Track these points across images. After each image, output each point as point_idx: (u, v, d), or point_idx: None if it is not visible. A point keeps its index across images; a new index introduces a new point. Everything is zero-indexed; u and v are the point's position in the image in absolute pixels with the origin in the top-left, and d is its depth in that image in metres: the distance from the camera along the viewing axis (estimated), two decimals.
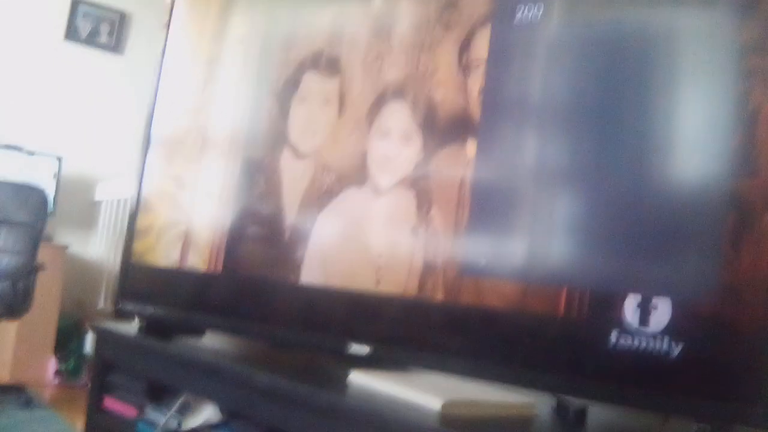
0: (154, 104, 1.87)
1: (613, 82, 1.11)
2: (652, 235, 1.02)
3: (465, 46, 1.30)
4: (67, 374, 3.52)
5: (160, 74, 1.87)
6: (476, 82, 1.27)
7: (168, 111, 1.84)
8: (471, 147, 1.24)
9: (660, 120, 1.04)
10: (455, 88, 1.29)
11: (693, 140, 1.03)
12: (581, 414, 1.19)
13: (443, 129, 1.30)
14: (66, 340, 3.63)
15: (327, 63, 1.52)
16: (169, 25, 1.88)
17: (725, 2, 1.02)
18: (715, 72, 1.01)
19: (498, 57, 1.25)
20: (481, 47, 1.27)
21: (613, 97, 1.10)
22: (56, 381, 3.49)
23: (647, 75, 1.07)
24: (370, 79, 1.43)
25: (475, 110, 1.26)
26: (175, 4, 1.89)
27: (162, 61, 1.87)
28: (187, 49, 1.85)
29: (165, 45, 1.87)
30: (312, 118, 1.53)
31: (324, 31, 1.54)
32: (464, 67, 1.29)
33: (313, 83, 1.54)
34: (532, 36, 1.21)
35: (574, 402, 1.19)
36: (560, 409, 1.21)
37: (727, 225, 0.95)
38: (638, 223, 1.03)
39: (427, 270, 1.25)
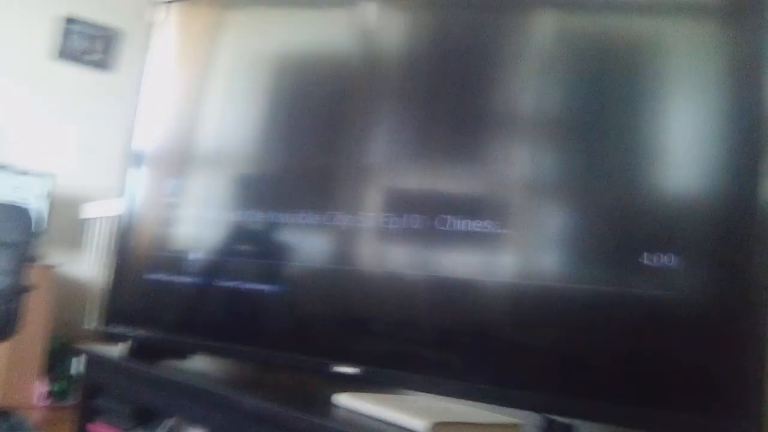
0: (140, 121, 1.87)
1: (613, 92, 1.12)
2: (643, 238, 1.02)
3: None
4: (55, 396, 3.48)
5: (144, 92, 1.87)
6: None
7: (155, 128, 1.84)
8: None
9: (665, 129, 1.05)
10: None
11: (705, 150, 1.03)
12: None
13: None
14: (55, 361, 3.60)
15: (315, 80, 1.53)
16: (150, 44, 1.88)
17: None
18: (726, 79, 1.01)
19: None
20: None
21: (608, 109, 1.11)
22: (45, 403, 3.46)
23: (648, 85, 1.08)
24: (358, 95, 1.44)
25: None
26: (161, 22, 1.90)
27: (145, 79, 1.87)
28: (173, 67, 1.85)
29: (148, 63, 1.88)
30: (297, 134, 1.53)
31: (311, 50, 1.55)
32: None
33: (300, 99, 1.55)
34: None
35: (560, 420, 1.18)
36: (547, 428, 1.21)
37: (717, 234, 0.96)
38: (632, 230, 1.03)
39: (413, 284, 1.25)
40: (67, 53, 4.05)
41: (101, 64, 4.13)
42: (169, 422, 1.48)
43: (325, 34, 1.53)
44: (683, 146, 1.02)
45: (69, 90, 4.06)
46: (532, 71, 1.21)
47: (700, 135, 1.01)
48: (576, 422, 1.18)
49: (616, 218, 1.06)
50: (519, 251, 1.15)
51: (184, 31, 1.86)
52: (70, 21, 4.05)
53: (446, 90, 1.31)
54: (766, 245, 0.93)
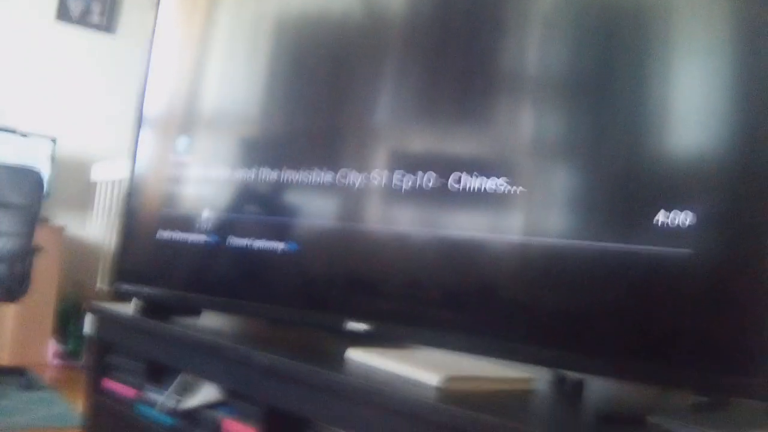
0: (145, 83, 1.85)
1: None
2: (660, 194, 1.00)
3: None
4: (67, 355, 3.53)
5: (151, 53, 1.85)
6: None
7: (160, 89, 1.83)
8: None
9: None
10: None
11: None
12: (578, 387, 1.19)
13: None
14: (65, 321, 3.64)
15: (320, 39, 1.50)
16: (159, 4, 1.86)
17: None
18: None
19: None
20: None
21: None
22: (56, 362, 3.51)
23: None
24: (363, 56, 1.41)
25: None
26: None
27: (152, 41, 1.85)
28: (178, 27, 1.82)
29: (155, 24, 1.85)
30: (304, 94, 1.51)
31: (317, 7, 1.52)
32: None
33: (306, 59, 1.53)
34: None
35: (572, 375, 1.19)
36: (558, 383, 1.22)
37: (733, 189, 0.95)
38: (647, 186, 1.02)
39: (426, 241, 1.24)
40: (66, 15, 4.00)
41: (101, 26, 4.08)
42: (181, 378, 1.50)
43: None
44: (699, 100, 1.00)
45: (70, 52, 4.02)
46: (540, 26, 1.18)
47: (716, 88, 0.99)
48: (587, 377, 1.19)
49: (631, 174, 1.04)
50: (532, 209, 1.14)
51: None
52: None
53: (455, 46, 1.28)
54: None
